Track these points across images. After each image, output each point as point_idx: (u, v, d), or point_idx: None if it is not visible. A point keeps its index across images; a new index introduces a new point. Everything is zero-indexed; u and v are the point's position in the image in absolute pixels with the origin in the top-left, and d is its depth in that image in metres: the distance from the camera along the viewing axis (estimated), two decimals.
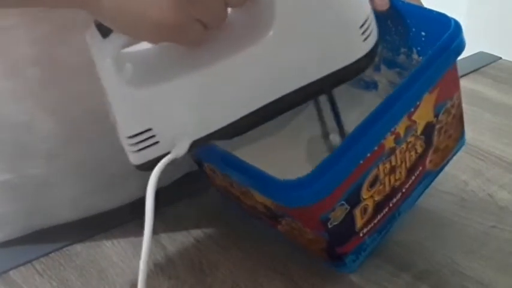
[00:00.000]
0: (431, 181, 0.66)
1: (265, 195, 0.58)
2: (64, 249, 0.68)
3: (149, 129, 0.53)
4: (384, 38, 0.65)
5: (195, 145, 0.55)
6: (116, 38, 0.52)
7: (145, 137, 0.54)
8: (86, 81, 0.58)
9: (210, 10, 0.51)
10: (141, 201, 0.72)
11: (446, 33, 0.58)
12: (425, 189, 0.66)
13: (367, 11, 0.55)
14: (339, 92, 0.59)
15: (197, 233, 0.69)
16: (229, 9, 0.52)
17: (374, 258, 0.64)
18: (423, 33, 0.62)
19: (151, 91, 0.53)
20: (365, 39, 0.54)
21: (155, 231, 0.70)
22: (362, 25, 0.54)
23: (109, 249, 0.68)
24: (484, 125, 0.83)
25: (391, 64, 0.66)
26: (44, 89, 0.62)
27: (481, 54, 1.01)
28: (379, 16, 0.62)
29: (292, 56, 0.53)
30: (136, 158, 0.55)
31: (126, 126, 0.54)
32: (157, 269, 0.65)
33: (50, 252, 0.67)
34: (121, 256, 0.67)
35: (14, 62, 0.61)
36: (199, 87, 0.53)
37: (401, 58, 0.65)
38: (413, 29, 0.62)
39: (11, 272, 0.66)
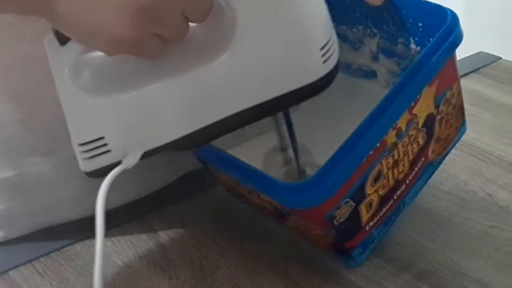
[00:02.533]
0: (435, 170, 0.66)
1: (270, 197, 0.58)
2: (64, 249, 0.68)
3: (101, 138, 0.53)
4: (382, 28, 0.65)
5: (147, 155, 0.55)
6: (73, 46, 0.52)
7: (97, 145, 0.54)
8: None
9: (169, 26, 0.50)
10: (141, 201, 0.73)
11: (443, 25, 0.58)
12: (428, 179, 0.66)
13: (329, 32, 0.55)
14: (339, 82, 0.59)
15: (197, 233, 0.69)
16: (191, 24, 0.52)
17: (374, 258, 0.64)
18: (420, 24, 0.62)
19: (105, 100, 0.53)
20: (325, 61, 0.54)
21: (155, 230, 0.70)
22: (323, 47, 0.54)
23: (109, 249, 0.68)
24: (484, 125, 0.83)
25: (389, 54, 0.66)
26: (43, 87, 0.62)
27: (481, 54, 1.01)
28: (376, 7, 0.62)
29: (250, 74, 0.53)
30: (87, 165, 0.55)
31: (78, 133, 0.54)
32: (157, 269, 0.65)
33: (50, 252, 0.67)
34: (121, 256, 0.67)
35: (14, 60, 0.61)
36: (155, 99, 0.53)
37: (400, 48, 0.65)
38: (410, 20, 0.63)
39: (11, 272, 0.66)
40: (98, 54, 0.53)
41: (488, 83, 0.92)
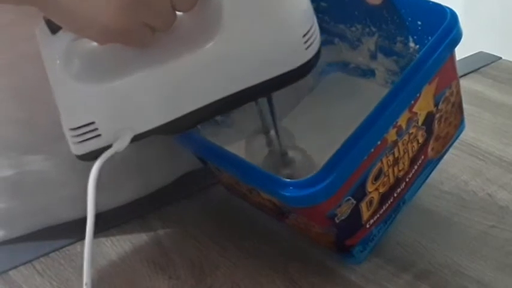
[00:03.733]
0: (434, 168, 0.66)
1: (271, 195, 0.58)
2: (64, 249, 0.68)
3: (92, 123, 0.55)
4: (380, 26, 0.65)
5: (137, 139, 0.57)
6: (64, 35, 0.53)
7: (88, 129, 0.55)
8: None
9: (158, 15, 0.52)
10: (141, 201, 0.73)
11: (442, 23, 0.58)
12: (428, 177, 0.66)
13: (311, 20, 0.57)
14: (337, 80, 0.59)
15: (197, 233, 0.69)
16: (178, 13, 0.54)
17: (374, 258, 0.64)
18: (419, 23, 0.62)
19: (96, 87, 0.55)
20: (307, 47, 0.56)
21: (155, 230, 0.70)
22: (305, 34, 0.56)
23: (108, 249, 0.68)
24: (484, 125, 0.83)
25: (388, 52, 0.66)
26: (43, 85, 0.62)
27: (481, 54, 1.01)
28: (374, 6, 0.63)
29: (235, 61, 0.56)
30: (78, 149, 0.57)
31: (69, 118, 0.56)
32: (157, 269, 0.65)
33: (50, 252, 0.67)
34: (120, 255, 0.67)
35: (13, 59, 0.62)
36: (144, 86, 0.55)
37: (398, 46, 0.65)
38: (409, 19, 0.63)
39: (11, 272, 0.66)
40: (89, 42, 0.54)
41: (488, 83, 0.92)
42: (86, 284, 0.54)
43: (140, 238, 0.69)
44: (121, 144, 0.56)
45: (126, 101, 0.55)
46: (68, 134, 0.56)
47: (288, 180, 0.55)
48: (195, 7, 0.53)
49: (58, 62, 0.54)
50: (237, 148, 0.63)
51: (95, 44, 0.54)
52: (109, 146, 0.56)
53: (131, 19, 0.51)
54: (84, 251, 0.67)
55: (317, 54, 0.58)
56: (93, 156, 0.55)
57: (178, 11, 0.53)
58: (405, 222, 0.66)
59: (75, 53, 0.55)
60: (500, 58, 0.99)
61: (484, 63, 0.97)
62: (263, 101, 0.62)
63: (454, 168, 0.74)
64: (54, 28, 0.53)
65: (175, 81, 0.55)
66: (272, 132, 0.64)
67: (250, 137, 0.67)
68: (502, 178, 0.74)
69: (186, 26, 0.56)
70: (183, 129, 0.59)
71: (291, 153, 0.65)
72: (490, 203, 0.70)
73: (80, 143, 0.56)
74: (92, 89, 0.55)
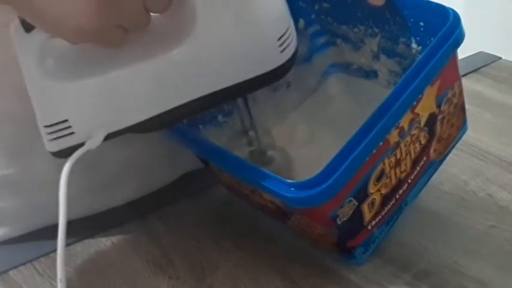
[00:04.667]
0: (436, 169, 0.66)
1: (273, 196, 0.58)
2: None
3: (65, 120, 0.56)
4: (383, 27, 0.65)
5: (110, 137, 0.57)
6: (38, 33, 0.54)
7: (62, 127, 0.56)
8: None
9: (130, 17, 0.53)
10: (141, 201, 0.73)
11: (444, 24, 0.58)
12: (430, 178, 0.66)
13: (287, 23, 0.57)
14: (340, 81, 0.59)
15: (197, 233, 0.69)
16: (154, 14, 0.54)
17: (374, 258, 0.64)
18: (421, 24, 0.62)
19: (69, 86, 0.56)
20: (282, 50, 0.57)
21: (155, 231, 0.70)
22: (280, 37, 0.56)
23: (108, 249, 0.68)
24: (484, 125, 0.83)
25: (390, 53, 0.66)
26: None
27: (481, 54, 1.01)
28: (377, 7, 0.63)
29: (210, 62, 0.56)
30: (52, 146, 0.57)
31: (43, 115, 0.57)
32: (157, 269, 0.65)
33: (50, 252, 0.67)
34: (120, 255, 0.67)
35: (13, 58, 0.61)
36: (117, 85, 0.56)
37: (401, 47, 0.65)
38: (412, 20, 0.63)
39: (11, 272, 0.66)
40: (62, 41, 0.54)
41: (488, 83, 0.92)
42: (60, 280, 0.55)
43: (140, 238, 0.69)
44: (94, 143, 0.56)
45: (100, 100, 0.56)
46: (42, 131, 0.57)
47: (290, 181, 0.55)
48: (169, 8, 0.54)
49: (32, 59, 0.55)
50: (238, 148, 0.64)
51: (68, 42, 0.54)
52: (83, 144, 0.56)
53: (103, 20, 0.51)
54: (84, 251, 0.68)
55: (293, 57, 0.58)
56: (67, 153, 0.56)
57: (152, 12, 0.54)
58: (405, 223, 0.66)
59: (48, 52, 0.56)
60: (500, 58, 0.99)
61: (484, 63, 0.97)
62: (241, 101, 0.63)
63: (454, 168, 0.74)
64: (28, 27, 0.54)
65: (148, 81, 0.56)
66: (251, 133, 0.65)
67: (231, 137, 0.67)
68: (502, 178, 0.74)
69: (161, 26, 0.56)
70: (156, 128, 0.60)
71: (270, 153, 0.66)
72: (490, 203, 0.70)
73: (53, 140, 0.57)
74: (65, 87, 0.56)
